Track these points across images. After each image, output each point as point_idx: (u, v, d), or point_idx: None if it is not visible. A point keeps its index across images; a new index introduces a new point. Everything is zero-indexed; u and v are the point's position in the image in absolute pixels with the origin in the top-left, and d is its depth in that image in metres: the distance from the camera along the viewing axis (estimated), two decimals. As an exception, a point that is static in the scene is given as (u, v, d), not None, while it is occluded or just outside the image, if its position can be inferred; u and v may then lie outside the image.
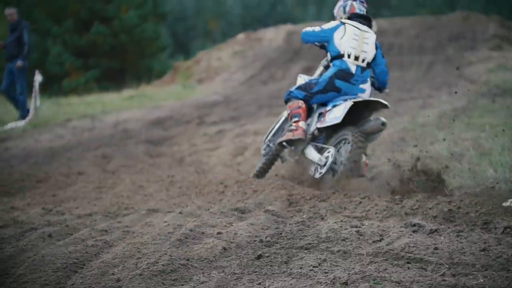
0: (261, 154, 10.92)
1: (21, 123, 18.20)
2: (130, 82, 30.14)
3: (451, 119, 14.03)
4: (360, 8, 9.70)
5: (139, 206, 8.81)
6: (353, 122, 9.48)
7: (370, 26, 9.69)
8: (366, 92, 9.60)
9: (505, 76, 20.98)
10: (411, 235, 6.28)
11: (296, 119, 9.73)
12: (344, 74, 9.47)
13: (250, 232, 6.68)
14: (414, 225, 6.58)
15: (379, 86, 9.96)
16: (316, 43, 9.88)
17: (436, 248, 5.80)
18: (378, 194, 8.40)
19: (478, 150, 10.88)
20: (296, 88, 9.99)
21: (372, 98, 9.53)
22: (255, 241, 6.40)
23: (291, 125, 9.82)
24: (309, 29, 9.84)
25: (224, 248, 6.16)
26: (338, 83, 9.50)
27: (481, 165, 9.82)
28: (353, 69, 9.47)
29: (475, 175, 9.37)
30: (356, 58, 9.48)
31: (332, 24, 9.66)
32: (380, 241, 6.16)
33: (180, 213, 7.79)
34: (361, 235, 6.32)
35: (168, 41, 42.25)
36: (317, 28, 9.72)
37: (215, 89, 26.20)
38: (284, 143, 9.90)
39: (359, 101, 9.43)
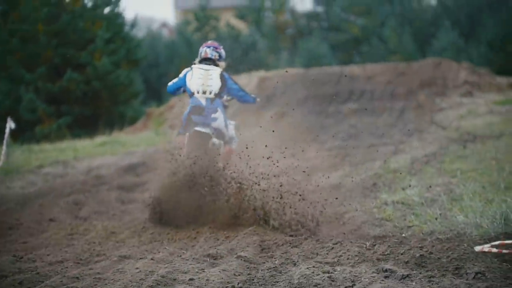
0: None
1: (-8, 170, 18.07)
2: (102, 129, 30.06)
3: (423, 165, 14.14)
4: (211, 54, 11.55)
5: (111, 252, 8.77)
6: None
7: (216, 65, 11.49)
8: (217, 120, 11.25)
9: (476, 122, 21.21)
10: (383, 280, 6.30)
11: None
12: (198, 109, 11.20)
13: (222, 278, 6.66)
14: (386, 270, 6.60)
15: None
16: (180, 91, 11.61)
17: (407, 294, 5.82)
18: (350, 239, 8.43)
19: (449, 196, 10.97)
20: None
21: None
22: (227, 287, 6.38)
23: None
24: (171, 82, 11.58)
25: (196, 295, 6.14)
26: (194, 117, 11.15)
27: (452, 211, 9.89)
28: (203, 102, 11.21)
29: (446, 221, 9.43)
30: (204, 92, 11.23)
31: (184, 71, 11.52)
32: (352, 286, 6.17)
33: (152, 259, 7.76)
34: (333, 280, 6.33)
35: (141, 87, 42.25)
36: (175, 79, 11.53)
37: (188, 135, 26.14)
38: None
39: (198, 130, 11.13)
